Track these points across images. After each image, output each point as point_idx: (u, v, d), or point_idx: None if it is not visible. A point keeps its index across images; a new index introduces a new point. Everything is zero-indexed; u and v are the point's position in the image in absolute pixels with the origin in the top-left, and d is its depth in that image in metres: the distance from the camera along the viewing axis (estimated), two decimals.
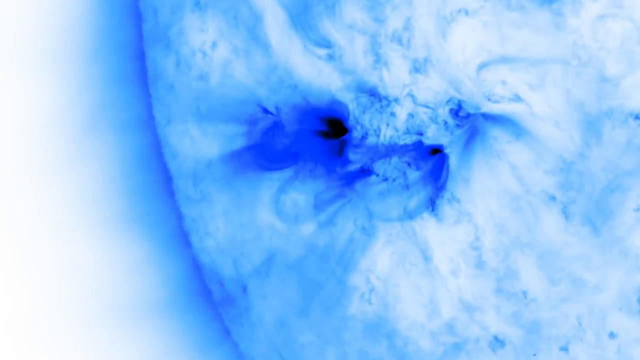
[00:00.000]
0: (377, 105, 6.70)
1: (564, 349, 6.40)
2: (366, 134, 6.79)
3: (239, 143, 7.35)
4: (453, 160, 6.52)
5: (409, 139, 6.65)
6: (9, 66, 7.56)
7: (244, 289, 7.59)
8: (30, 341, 7.27)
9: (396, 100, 6.61)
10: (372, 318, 7.00)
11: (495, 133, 6.33)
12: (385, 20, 6.55)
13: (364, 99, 6.74)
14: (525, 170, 6.28)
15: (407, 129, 6.63)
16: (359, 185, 6.91)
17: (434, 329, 6.79)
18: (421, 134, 6.60)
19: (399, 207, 6.76)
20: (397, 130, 6.67)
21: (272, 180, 7.24)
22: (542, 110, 6.15)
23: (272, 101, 7.10)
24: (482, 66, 6.27)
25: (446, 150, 6.54)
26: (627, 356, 6.27)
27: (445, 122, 6.50)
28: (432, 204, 6.64)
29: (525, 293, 6.44)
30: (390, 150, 6.72)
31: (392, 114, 6.65)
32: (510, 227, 6.41)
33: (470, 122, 6.42)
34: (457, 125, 6.47)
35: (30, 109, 7.59)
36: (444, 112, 6.49)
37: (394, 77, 6.59)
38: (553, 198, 6.24)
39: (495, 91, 6.27)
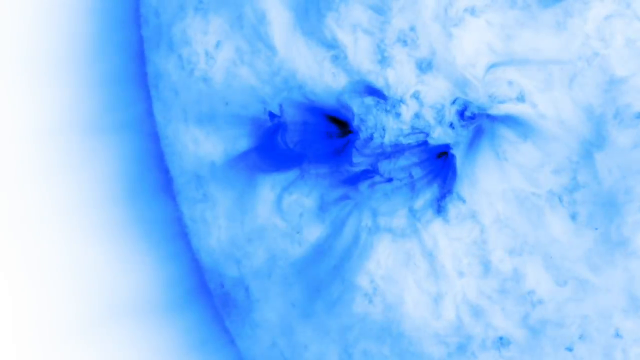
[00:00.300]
0: (383, 106, 6.65)
1: (570, 349, 6.36)
2: (371, 134, 6.74)
3: (243, 144, 7.29)
4: (459, 161, 6.47)
5: (415, 140, 6.60)
6: (10, 67, 7.49)
7: (246, 289, 7.52)
8: (30, 341, 7.23)
9: (401, 100, 6.56)
10: (377, 318, 6.94)
11: (502, 133, 6.29)
12: (391, 20, 6.51)
13: (369, 99, 6.69)
14: (532, 170, 6.24)
15: (413, 129, 6.58)
16: (363, 186, 6.86)
17: (439, 329, 6.73)
18: (427, 135, 6.56)
19: (404, 207, 6.71)
20: (402, 130, 6.62)
21: (276, 181, 7.18)
22: (549, 111, 6.12)
23: (276, 102, 7.04)
24: (488, 66, 6.23)
25: (452, 151, 6.49)
26: (632, 356, 6.24)
27: (451, 123, 6.46)
28: (437, 205, 6.59)
29: (531, 293, 6.40)
30: (396, 150, 6.67)
31: (398, 115, 6.60)
32: (516, 227, 6.36)
33: (476, 122, 6.38)
34: (463, 126, 6.43)
35: (31, 110, 7.53)
36: (449, 113, 6.45)
37: (400, 78, 6.54)
38: (559, 198, 6.20)
39: (501, 91, 6.23)
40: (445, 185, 6.53)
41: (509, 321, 6.49)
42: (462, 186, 6.47)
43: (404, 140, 6.61)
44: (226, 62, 7.19)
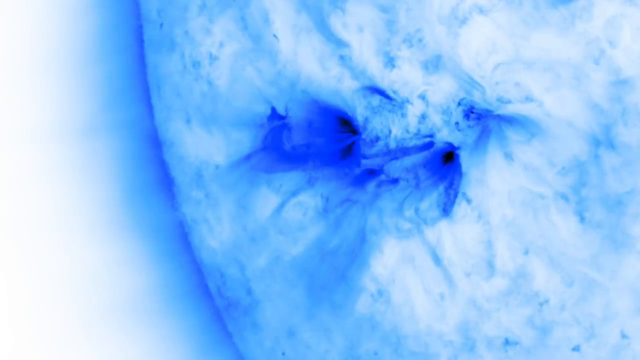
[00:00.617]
0: (389, 107, 6.60)
1: (576, 349, 6.32)
2: (377, 135, 6.68)
3: (246, 145, 7.21)
4: (465, 161, 6.42)
5: (421, 140, 6.54)
6: (9, 67, 7.43)
7: (249, 290, 7.45)
8: (30, 341, 7.15)
9: (408, 101, 6.51)
10: (382, 319, 6.88)
11: (509, 134, 6.25)
12: (397, 20, 6.46)
13: (375, 100, 6.63)
14: (539, 170, 6.20)
15: (419, 130, 6.53)
16: (369, 187, 6.80)
17: (445, 329, 6.68)
18: (433, 135, 6.51)
19: (410, 207, 6.66)
20: (408, 131, 6.56)
21: (280, 182, 7.11)
22: (556, 111, 6.08)
23: (281, 103, 6.97)
24: (496, 67, 6.19)
25: (458, 151, 6.45)
26: (639, 357, 6.21)
27: (458, 123, 6.41)
28: (443, 205, 6.53)
29: (537, 293, 6.35)
30: (402, 151, 6.61)
31: (404, 115, 6.55)
32: (523, 227, 6.32)
33: (483, 122, 6.34)
34: (470, 126, 6.38)
35: (31, 111, 7.47)
36: (456, 113, 6.40)
37: (406, 78, 6.49)
38: (566, 198, 6.16)
39: (508, 92, 6.19)
40: (452, 185, 6.48)
41: (515, 322, 6.45)
42: (469, 186, 6.43)
43: (410, 141, 6.56)
44: (230, 62, 7.12)
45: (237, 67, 7.08)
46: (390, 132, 6.59)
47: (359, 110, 6.66)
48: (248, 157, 7.16)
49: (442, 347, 6.67)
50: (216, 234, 7.52)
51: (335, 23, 6.62)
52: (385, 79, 6.52)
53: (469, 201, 6.42)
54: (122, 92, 7.90)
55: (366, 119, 6.65)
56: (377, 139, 6.64)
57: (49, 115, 7.53)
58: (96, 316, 7.46)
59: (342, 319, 7.00)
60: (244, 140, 7.18)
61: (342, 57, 6.64)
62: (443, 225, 6.52)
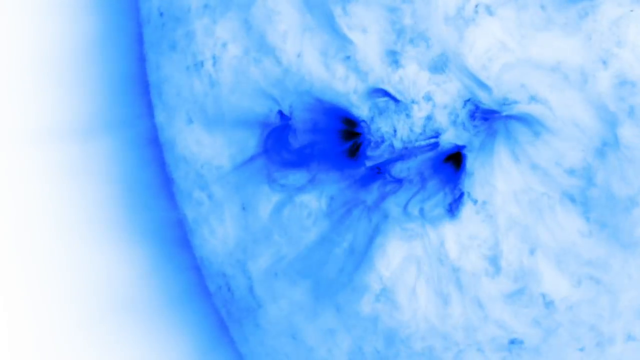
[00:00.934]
0: (394, 107, 6.53)
1: (582, 349, 6.28)
2: (382, 135, 6.62)
3: (250, 146, 7.14)
4: (471, 161, 6.37)
5: (426, 141, 6.49)
6: (9, 68, 7.37)
7: (251, 291, 7.37)
8: (29, 342, 7.10)
9: (413, 101, 6.45)
10: (386, 320, 6.82)
11: (515, 134, 6.20)
12: (403, 20, 6.40)
13: (380, 101, 6.57)
14: (545, 171, 6.15)
15: (424, 130, 6.47)
16: (374, 187, 6.73)
17: (450, 329, 6.62)
18: (438, 136, 6.45)
19: (415, 208, 6.60)
20: (413, 132, 6.50)
21: (284, 183, 7.03)
22: (562, 111, 6.03)
23: (285, 104, 6.90)
24: (502, 67, 6.14)
25: (464, 151, 6.39)
26: None
27: (464, 124, 6.36)
28: (449, 205, 6.48)
29: (543, 294, 6.31)
30: (407, 152, 6.55)
31: (409, 116, 6.49)
32: (529, 227, 6.27)
33: (489, 123, 6.29)
34: (476, 127, 6.33)
35: (31, 111, 7.41)
36: (462, 114, 6.35)
37: (411, 79, 6.43)
38: (573, 199, 6.12)
39: (514, 92, 6.14)
40: (457, 186, 6.43)
41: (521, 322, 6.40)
42: (474, 187, 6.37)
43: (416, 142, 6.50)
44: (233, 63, 7.04)
45: (240, 68, 7.00)
46: (395, 132, 6.53)
47: (364, 111, 6.60)
48: (251, 158, 7.08)
49: (447, 347, 6.62)
50: (219, 234, 7.44)
51: (341, 23, 6.55)
52: (391, 80, 6.46)
53: (474, 201, 6.36)
54: (123, 92, 7.84)
55: (371, 120, 6.59)
56: (382, 139, 6.57)
57: (49, 115, 7.48)
58: (96, 317, 7.43)
59: (347, 320, 6.94)
60: (247, 141, 7.10)
61: (347, 58, 6.57)
62: (448, 225, 6.47)
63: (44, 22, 7.50)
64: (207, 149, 7.33)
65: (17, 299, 7.16)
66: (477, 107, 6.24)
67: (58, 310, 7.33)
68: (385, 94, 6.48)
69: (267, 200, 7.09)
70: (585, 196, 6.04)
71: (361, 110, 6.62)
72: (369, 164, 6.63)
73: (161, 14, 7.46)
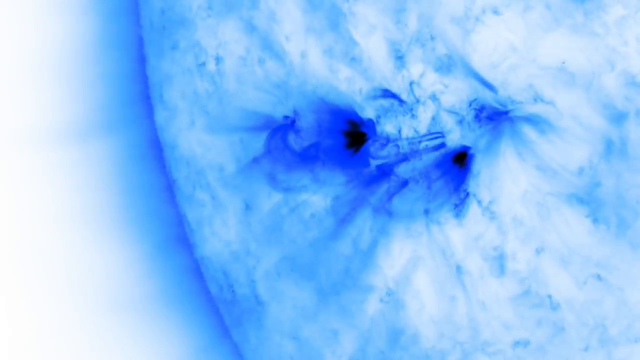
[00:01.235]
0: (399, 108, 6.46)
1: (588, 350, 6.22)
2: (387, 136, 6.54)
3: (253, 147, 7.06)
4: (477, 162, 6.30)
5: (432, 142, 6.42)
6: (9, 68, 7.30)
7: (254, 291, 7.29)
8: (28, 341, 7.06)
9: (418, 102, 6.38)
10: (390, 321, 6.75)
11: (521, 135, 6.13)
12: (408, 21, 6.33)
13: (386, 101, 6.50)
14: (551, 171, 6.10)
15: (430, 131, 6.41)
16: (379, 187, 6.66)
17: (454, 330, 6.56)
18: (444, 137, 6.38)
19: (420, 208, 6.53)
20: (419, 132, 6.43)
21: (289, 183, 6.96)
22: (569, 111, 5.97)
23: (289, 104, 6.82)
24: (508, 67, 6.08)
25: (470, 152, 6.33)
26: None
27: (469, 124, 6.29)
28: (454, 206, 6.41)
29: (549, 295, 6.25)
30: (412, 152, 6.49)
31: (414, 117, 6.42)
32: (535, 228, 6.21)
33: (495, 124, 6.22)
34: (482, 127, 6.26)
35: (31, 111, 7.36)
36: (468, 114, 6.28)
37: (417, 79, 6.37)
38: (579, 199, 6.06)
39: (521, 92, 6.08)
40: (463, 186, 6.37)
41: (526, 323, 6.34)
42: (480, 187, 6.31)
43: (421, 142, 6.43)
44: (237, 64, 6.96)
45: (243, 69, 6.92)
46: (400, 133, 6.46)
47: (369, 112, 6.52)
48: (255, 159, 7.00)
49: (452, 348, 6.55)
50: (221, 235, 7.35)
51: (345, 24, 6.47)
52: (396, 80, 6.39)
53: (480, 202, 6.30)
54: (123, 93, 7.78)
55: (376, 120, 6.52)
56: (388, 140, 6.50)
57: (49, 116, 7.43)
58: (97, 317, 7.39)
59: (351, 321, 6.86)
60: (251, 142, 7.02)
61: (352, 58, 6.50)
62: (454, 226, 6.40)
63: (44, 22, 7.44)
64: (209, 149, 7.25)
65: (18, 300, 7.11)
66: (483, 108, 6.18)
67: (58, 310, 7.31)
68: (391, 94, 6.41)
69: (270, 201, 7.01)
70: (592, 196, 5.98)
71: (366, 110, 6.55)
72: (374, 164, 6.56)
73: (163, 14, 7.37)
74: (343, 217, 6.75)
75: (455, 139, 6.30)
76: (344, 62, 6.51)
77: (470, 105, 6.19)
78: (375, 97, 6.46)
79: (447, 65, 6.20)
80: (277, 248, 7.07)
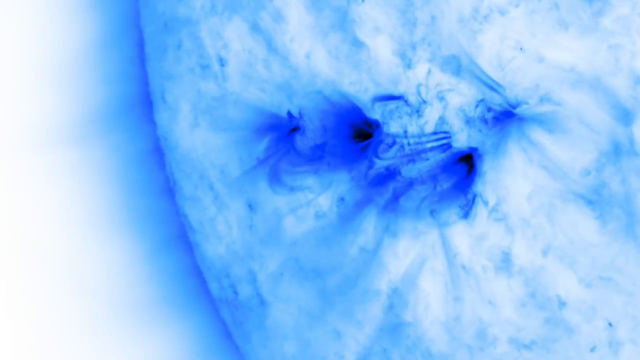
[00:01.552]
0: (405, 108, 6.40)
1: (595, 351, 6.17)
2: (393, 137, 6.47)
3: (258, 148, 6.98)
4: (483, 163, 6.24)
5: (438, 143, 6.36)
6: (9, 69, 7.23)
7: (257, 293, 7.21)
8: (30, 343, 7.01)
9: (425, 102, 6.32)
10: (396, 322, 6.68)
11: (528, 135, 6.07)
12: (414, 21, 6.26)
13: (392, 102, 6.43)
14: (558, 172, 6.04)
15: (436, 132, 6.34)
16: (384, 188, 6.59)
17: (460, 330, 6.50)
18: (450, 137, 6.32)
19: (426, 209, 6.46)
20: (425, 133, 6.37)
21: (293, 184, 6.88)
22: (577, 112, 5.92)
23: (294, 106, 6.74)
24: (515, 67, 6.01)
25: (476, 152, 6.27)
26: None
27: (476, 125, 6.23)
28: (460, 206, 6.35)
29: (556, 295, 6.19)
30: (418, 153, 6.42)
31: (421, 117, 6.35)
32: (542, 229, 6.15)
33: (502, 124, 6.16)
34: (488, 128, 6.20)
35: (31, 112, 7.29)
36: (474, 115, 6.22)
37: (423, 80, 6.30)
38: (587, 200, 6.00)
39: (528, 93, 6.02)
40: (469, 187, 6.30)
41: (533, 323, 6.28)
42: (487, 188, 6.25)
43: (428, 144, 6.36)
44: (241, 65, 6.88)
45: (248, 69, 6.84)
46: (407, 134, 6.39)
47: (375, 112, 6.45)
48: (259, 160, 6.93)
49: (458, 349, 6.49)
50: (224, 237, 7.27)
51: (351, 24, 6.40)
52: (403, 81, 6.32)
53: (486, 203, 6.24)
54: (124, 94, 7.72)
55: (383, 121, 6.45)
56: (394, 140, 6.44)
57: (49, 117, 7.37)
58: (98, 318, 7.36)
59: (355, 322, 6.79)
60: (255, 143, 6.94)
61: (358, 59, 6.43)
62: (460, 227, 6.33)
63: (44, 22, 7.37)
64: (212, 150, 7.17)
65: (18, 300, 7.08)
66: (489, 108, 6.12)
67: (59, 312, 7.29)
68: (397, 95, 6.35)
69: (274, 201, 6.94)
70: (600, 197, 5.93)
71: (372, 111, 6.48)
72: (379, 164, 6.49)
73: (165, 14, 7.28)
74: (348, 218, 6.67)
75: (462, 139, 6.24)
76: (349, 62, 6.44)
77: (477, 105, 6.12)
78: (381, 98, 6.39)
79: (454, 65, 6.14)
80: (281, 249, 7.00)
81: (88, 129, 7.47)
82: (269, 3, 6.65)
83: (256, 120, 6.86)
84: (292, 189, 6.80)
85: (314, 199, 6.74)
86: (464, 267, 6.34)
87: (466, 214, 6.29)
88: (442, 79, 6.20)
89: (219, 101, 7.01)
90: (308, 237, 6.82)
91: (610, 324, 6.05)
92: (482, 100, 6.11)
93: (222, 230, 7.27)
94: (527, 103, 5.99)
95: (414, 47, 6.25)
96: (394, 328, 6.65)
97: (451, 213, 6.34)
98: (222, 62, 6.92)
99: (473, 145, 6.22)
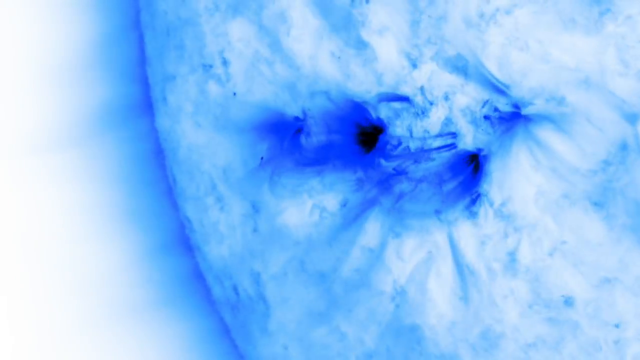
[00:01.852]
0: (411, 109, 6.34)
1: (600, 350, 6.13)
2: (399, 137, 6.42)
3: (261, 148, 6.91)
4: (489, 163, 6.19)
5: (444, 143, 6.30)
6: (10, 69, 7.17)
7: (260, 295, 7.15)
8: (29, 342, 6.98)
9: (430, 103, 6.26)
10: (401, 322, 6.62)
11: (535, 135, 6.03)
12: (420, 22, 6.20)
13: (397, 102, 6.37)
14: (565, 172, 5.99)
15: (442, 132, 6.29)
16: (389, 189, 6.53)
17: (465, 330, 6.45)
18: (456, 137, 6.27)
19: (432, 209, 6.40)
20: (431, 134, 6.31)
21: (297, 185, 6.82)
22: (583, 112, 5.87)
23: (299, 106, 6.67)
24: (521, 68, 5.97)
25: (482, 153, 6.21)
26: None
27: (482, 125, 6.18)
28: (466, 207, 6.30)
29: (562, 296, 6.15)
30: (424, 153, 6.36)
31: (426, 117, 6.30)
32: (548, 229, 6.10)
33: (508, 124, 6.11)
34: (494, 128, 6.15)
35: (32, 112, 7.23)
36: (480, 115, 6.17)
37: (429, 81, 6.24)
38: (593, 200, 5.96)
39: (534, 92, 5.97)
40: (475, 187, 6.25)
41: (538, 323, 6.24)
42: (492, 188, 6.19)
43: (433, 144, 6.31)
44: (244, 65, 6.81)
45: (251, 70, 6.77)
46: (412, 134, 6.33)
47: (380, 113, 6.40)
48: (263, 161, 6.85)
49: (463, 349, 6.44)
50: (227, 238, 7.20)
51: (356, 24, 6.34)
52: (408, 81, 6.26)
53: (492, 203, 6.18)
54: (124, 94, 7.66)
55: (388, 122, 6.39)
56: (399, 141, 6.38)
57: (50, 117, 7.33)
58: (98, 319, 7.33)
59: (360, 322, 6.74)
60: (259, 144, 6.88)
61: (363, 60, 6.36)
62: (466, 227, 6.28)
63: (44, 22, 7.32)
64: (215, 151, 7.10)
65: (18, 301, 7.06)
66: (495, 108, 6.07)
67: (58, 313, 7.29)
68: (402, 95, 6.29)
69: (278, 203, 6.87)
70: (606, 197, 5.89)
71: (377, 111, 6.42)
72: (385, 165, 6.43)
73: (166, 15, 7.21)
74: (353, 218, 6.62)
75: (468, 140, 6.18)
76: (354, 63, 6.37)
77: (483, 106, 6.07)
78: (386, 99, 6.34)
79: (459, 66, 6.08)
80: (285, 250, 6.93)
81: (89, 130, 7.41)
82: (272, 3, 6.59)
83: (260, 121, 6.79)
84: (296, 190, 6.73)
85: (319, 200, 6.68)
86: (469, 267, 6.28)
87: (472, 214, 6.23)
88: (448, 79, 6.14)
89: (221, 102, 6.93)
90: (312, 237, 6.76)
91: (616, 325, 6.01)
92: (488, 100, 6.06)
93: (224, 231, 7.20)
94: (533, 103, 5.94)
95: (419, 47, 6.19)
96: (399, 328, 6.59)
97: (457, 213, 6.29)
98: (225, 63, 6.85)
99: (479, 145, 6.17)
